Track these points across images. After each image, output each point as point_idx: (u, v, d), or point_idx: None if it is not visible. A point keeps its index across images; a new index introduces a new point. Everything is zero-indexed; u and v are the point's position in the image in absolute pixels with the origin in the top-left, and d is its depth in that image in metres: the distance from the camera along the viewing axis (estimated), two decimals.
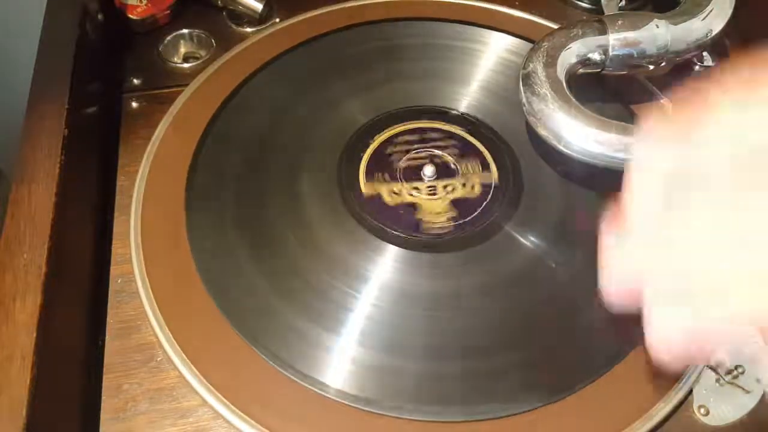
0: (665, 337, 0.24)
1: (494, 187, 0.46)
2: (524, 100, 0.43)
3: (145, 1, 0.55)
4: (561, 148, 0.42)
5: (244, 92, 0.50)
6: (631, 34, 0.44)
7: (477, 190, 0.46)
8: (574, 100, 0.42)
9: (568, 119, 0.41)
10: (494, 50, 0.54)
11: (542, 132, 0.42)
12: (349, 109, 0.50)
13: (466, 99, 0.51)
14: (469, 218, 0.44)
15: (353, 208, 0.44)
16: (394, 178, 0.46)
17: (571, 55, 0.44)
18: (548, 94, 0.42)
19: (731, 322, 0.22)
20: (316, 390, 0.36)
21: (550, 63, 0.43)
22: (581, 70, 0.46)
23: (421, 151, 0.48)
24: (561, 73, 0.43)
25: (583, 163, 0.42)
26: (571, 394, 0.37)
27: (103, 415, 0.35)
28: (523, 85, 0.44)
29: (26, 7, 0.66)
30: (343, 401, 0.36)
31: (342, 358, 0.37)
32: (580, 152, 0.41)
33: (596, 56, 0.45)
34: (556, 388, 0.37)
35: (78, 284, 0.38)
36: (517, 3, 0.59)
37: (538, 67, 0.43)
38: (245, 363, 0.37)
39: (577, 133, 0.41)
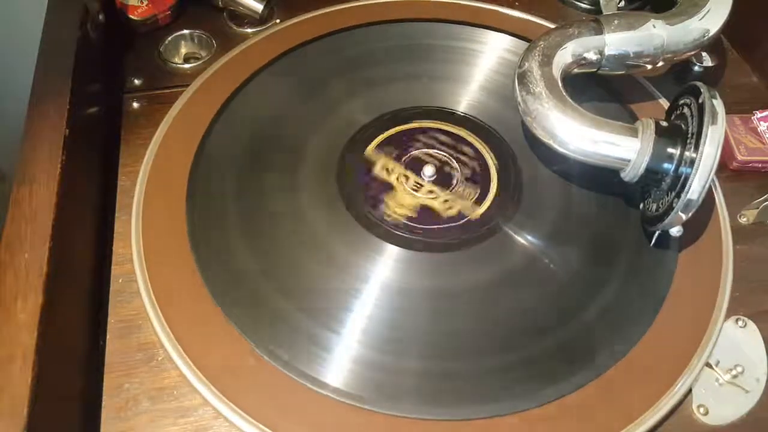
0: None
1: (493, 187, 0.46)
2: (519, 99, 0.43)
3: (146, 2, 0.55)
4: (556, 147, 0.42)
5: (244, 92, 0.50)
6: (627, 35, 0.44)
7: (477, 190, 0.46)
8: (569, 99, 0.42)
9: (563, 118, 0.41)
10: (494, 50, 0.54)
11: (537, 131, 0.42)
12: (350, 109, 0.50)
13: (466, 99, 0.51)
14: (469, 218, 0.44)
15: (354, 208, 0.44)
16: (399, 189, 0.46)
17: (566, 54, 0.44)
18: (543, 93, 0.42)
19: None
20: (316, 389, 0.36)
21: (546, 62, 0.43)
22: (577, 70, 0.46)
23: (421, 151, 0.48)
24: (556, 72, 0.43)
25: (580, 162, 0.42)
26: (570, 393, 0.37)
27: (104, 414, 0.36)
28: (518, 84, 0.44)
29: (27, 7, 0.66)
30: (343, 400, 0.36)
31: (342, 358, 0.38)
32: (575, 151, 0.41)
33: (592, 56, 0.45)
34: (555, 387, 0.37)
35: (79, 284, 0.39)
36: (517, 3, 0.59)
37: (533, 66, 0.43)
38: (246, 362, 0.37)
39: (572, 132, 0.41)
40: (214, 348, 0.37)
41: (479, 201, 0.45)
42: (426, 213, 0.44)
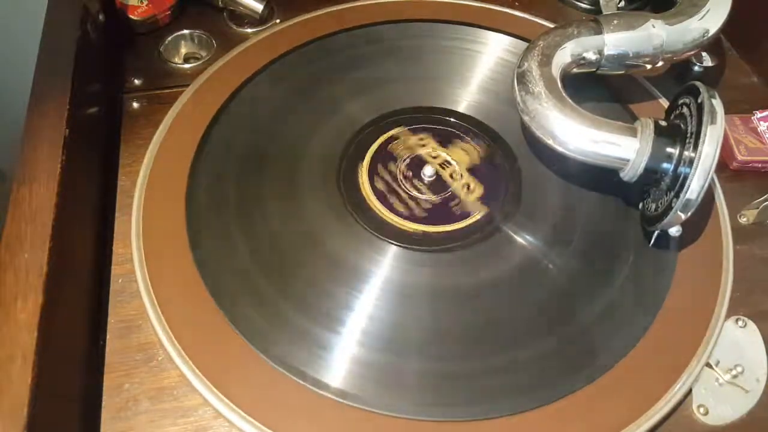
0: None
1: (493, 187, 0.46)
2: (519, 98, 0.43)
3: (146, 2, 0.55)
4: (555, 146, 0.42)
5: (244, 93, 0.50)
6: (626, 34, 0.44)
7: (475, 190, 0.46)
8: (568, 98, 0.42)
9: (562, 118, 0.41)
10: (494, 51, 0.54)
11: (536, 130, 0.42)
12: (350, 109, 0.50)
13: (466, 99, 0.51)
14: (467, 220, 0.44)
15: (354, 208, 0.44)
16: (394, 178, 0.46)
17: (565, 54, 0.44)
18: (543, 93, 0.42)
19: None
20: (316, 389, 0.36)
21: (545, 62, 0.43)
22: (576, 70, 0.46)
23: (421, 151, 0.48)
24: (556, 72, 0.43)
25: (579, 161, 0.42)
26: (569, 394, 0.37)
27: (104, 415, 0.36)
28: (517, 84, 0.44)
29: (27, 7, 0.66)
30: (343, 400, 0.36)
31: (342, 358, 0.38)
32: (574, 151, 0.41)
33: (591, 56, 0.45)
34: (555, 388, 0.37)
35: (79, 284, 0.39)
36: (516, 3, 0.59)
37: (533, 66, 0.43)
38: (246, 362, 0.37)
39: (571, 132, 0.41)
40: (214, 348, 0.37)
41: (460, 217, 0.45)
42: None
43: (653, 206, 0.41)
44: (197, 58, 0.54)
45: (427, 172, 0.46)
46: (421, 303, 0.40)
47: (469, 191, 0.46)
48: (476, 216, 0.44)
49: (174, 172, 0.45)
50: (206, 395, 0.36)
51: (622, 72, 0.47)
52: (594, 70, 0.46)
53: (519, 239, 0.43)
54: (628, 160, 0.40)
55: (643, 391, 0.37)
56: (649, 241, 0.43)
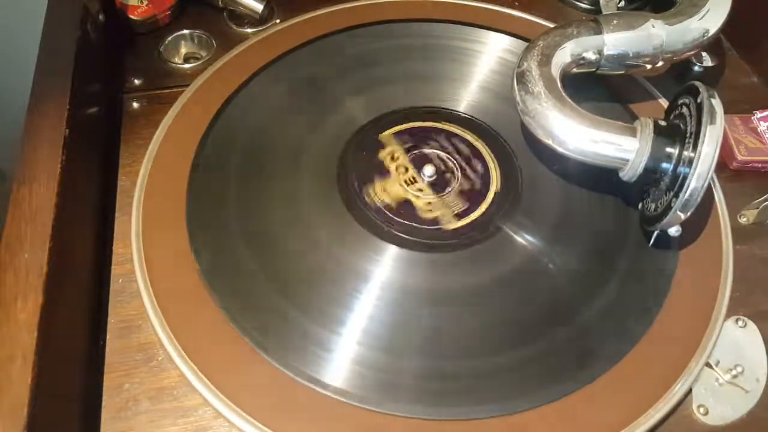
0: None
1: (493, 187, 0.46)
2: (518, 98, 0.43)
3: (146, 2, 0.55)
4: (555, 146, 0.42)
5: (244, 92, 0.50)
6: (626, 34, 0.44)
7: (476, 190, 0.46)
8: (568, 98, 0.42)
9: (562, 118, 0.41)
10: (494, 50, 0.54)
11: (536, 130, 0.42)
12: (350, 109, 0.50)
13: (466, 99, 0.51)
14: (467, 219, 0.44)
15: (354, 208, 0.44)
16: (393, 177, 0.46)
17: (565, 54, 0.44)
18: (542, 93, 0.42)
19: None
20: (316, 389, 0.36)
21: (545, 62, 0.43)
22: (575, 70, 0.46)
23: (421, 151, 0.48)
24: (555, 71, 0.43)
25: (579, 161, 0.42)
26: (569, 393, 0.37)
27: (104, 415, 0.36)
28: (517, 84, 0.44)
29: (27, 7, 0.66)
30: (343, 400, 0.36)
31: (342, 358, 0.38)
32: (574, 151, 0.41)
33: (591, 55, 0.45)
34: (555, 387, 0.37)
35: (79, 284, 0.39)
36: (516, 3, 0.59)
37: (532, 66, 0.43)
38: (246, 362, 0.37)
39: (571, 132, 0.41)
40: (214, 348, 0.37)
41: (460, 216, 0.44)
42: (405, 207, 0.45)
43: (653, 206, 0.41)
44: (197, 58, 0.54)
45: (427, 171, 0.46)
46: (421, 303, 0.40)
47: (468, 191, 0.46)
48: (476, 216, 0.44)
49: (174, 172, 0.45)
50: (206, 395, 0.36)
51: (622, 72, 0.47)
52: (594, 70, 0.46)
53: (519, 239, 0.43)
54: (627, 160, 0.40)
55: (643, 391, 0.37)
56: (649, 241, 0.43)
